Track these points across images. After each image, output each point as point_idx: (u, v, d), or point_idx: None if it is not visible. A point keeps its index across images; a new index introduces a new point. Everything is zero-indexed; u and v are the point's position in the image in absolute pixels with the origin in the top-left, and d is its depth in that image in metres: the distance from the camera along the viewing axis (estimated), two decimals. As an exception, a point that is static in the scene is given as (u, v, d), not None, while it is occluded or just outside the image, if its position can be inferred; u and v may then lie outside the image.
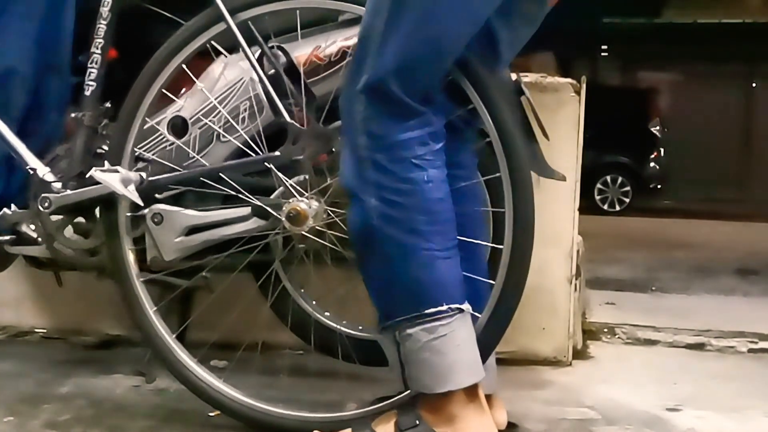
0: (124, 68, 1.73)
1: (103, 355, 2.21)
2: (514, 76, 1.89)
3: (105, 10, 1.76)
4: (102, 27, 1.76)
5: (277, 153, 1.58)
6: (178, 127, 1.76)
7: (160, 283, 1.77)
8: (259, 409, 1.61)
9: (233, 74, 1.73)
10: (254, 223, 1.62)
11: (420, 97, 1.36)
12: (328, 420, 1.56)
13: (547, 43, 1.83)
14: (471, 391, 1.39)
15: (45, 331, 2.42)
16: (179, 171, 1.68)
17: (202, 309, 1.88)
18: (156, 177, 1.64)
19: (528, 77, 2.18)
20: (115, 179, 1.58)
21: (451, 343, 1.36)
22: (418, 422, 1.39)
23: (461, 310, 1.37)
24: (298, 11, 1.61)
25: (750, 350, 2.47)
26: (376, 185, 1.36)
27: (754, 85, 16.19)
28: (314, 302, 1.95)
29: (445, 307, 1.36)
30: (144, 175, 1.61)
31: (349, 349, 1.85)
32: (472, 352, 1.39)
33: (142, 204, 1.60)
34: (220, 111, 1.73)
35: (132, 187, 1.59)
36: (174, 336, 1.68)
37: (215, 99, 1.73)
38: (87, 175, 1.65)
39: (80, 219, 1.74)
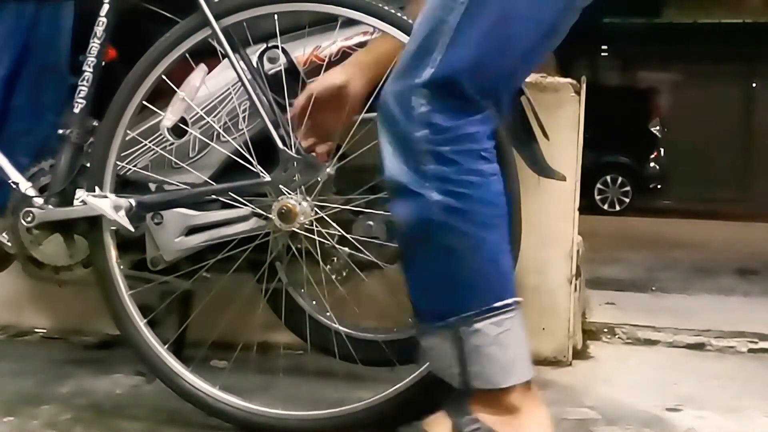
0: (124, 68, 1.73)
1: (103, 355, 2.21)
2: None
3: (99, 29, 1.76)
4: (96, 46, 1.76)
5: (267, 178, 1.58)
6: (177, 128, 1.75)
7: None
8: (259, 412, 1.61)
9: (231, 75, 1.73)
10: (254, 222, 1.62)
11: (486, 94, 1.36)
12: (328, 416, 1.57)
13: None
14: (527, 384, 1.39)
15: (45, 331, 2.42)
16: (167, 191, 1.71)
17: (200, 310, 1.88)
18: (144, 200, 1.65)
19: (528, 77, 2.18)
20: (106, 205, 1.59)
21: (514, 336, 1.36)
22: (479, 426, 1.37)
23: (519, 303, 1.37)
24: (276, 16, 1.62)
25: (750, 350, 2.47)
26: (439, 178, 1.33)
27: (754, 85, 16.18)
28: (314, 302, 1.95)
29: (511, 300, 1.35)
30: (133, 202, 1.61)
31: (350, 348, 1.85)
32: (527, 344, 1.39)
33: (132, 230, 1.61)
34: (218, 111, 1.74)
35: (122, 213, 1.60)
36: (166, 346, 1.68)
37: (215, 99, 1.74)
38: (79, 200, 1.65)
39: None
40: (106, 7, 1.77)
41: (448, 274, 1.35)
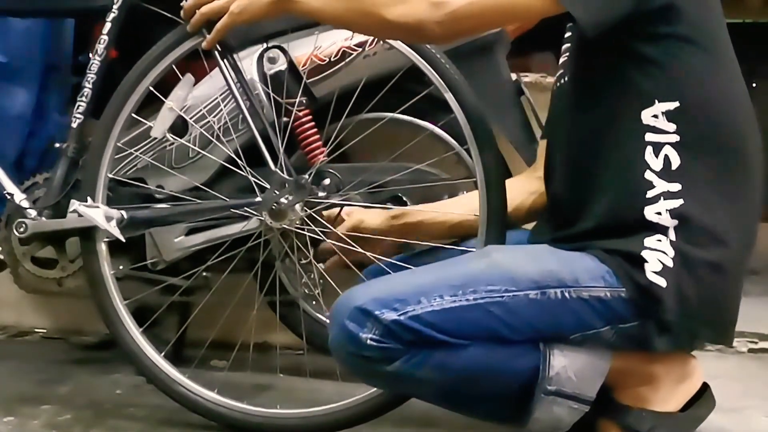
0: (124, 68, 1.73)
1: (103, 355, 2.21)
2: (514, 76, 1.89)
3: (101, 47, 1.77)
4: (96, 63, 1.76)
5: (259, 199, 1.58)
6: (178, 127, 1.76)
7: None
8: (257, 413, 1.61)
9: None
10: (255, 222, 1.62)
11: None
12: (326, 413, 1.57)
13: (547, 43, 1.84)
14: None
15: (45, 331, 2.42)
16: (158, 208, 1.72)
17: (199, 310, 1.88)
18: (136, 215, 1.65)
19: (528, 77, 2.18)
20: (98, 214, 1.60)
21: (574, 347, 1.39)
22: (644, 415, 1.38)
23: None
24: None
25: (750, 350, 2.46)
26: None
27: (754, 85, 16.12)
28: (313, 302, 1.95)
29: (541, 347, 1.37)
30: (125, 214, 1.62)
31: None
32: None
33: (124, 240, 1.61)
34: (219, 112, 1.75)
35: (113, 223, 1.60)
36: (163, 354, 1.68)
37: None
38: (71, 209, 1.66)
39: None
40: (108, 26, 1.77)
41: (492, 381, 1.34)
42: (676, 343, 1.36)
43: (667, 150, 1.34)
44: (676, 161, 1.34)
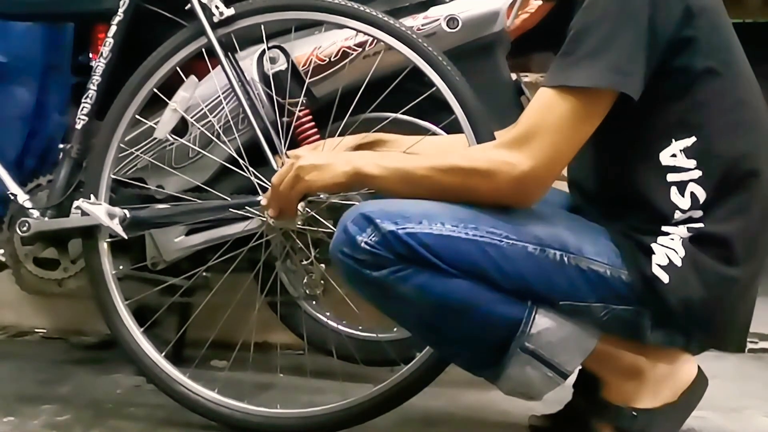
0: (124, 70, 1.73)
1: (103, 355, 2.21)
2: (514, 76, 1.89)
3: (106, 50, 1.76)
4: (101, 66, 1.76)
5: (260, 198, 1.56)
6: (178, 127, 1.76)
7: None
8: (258, 413, 1.61)
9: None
10: (255, 222, 1.62)
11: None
12: (326, 413, 1.57)
13: (547, 43, 1.85)
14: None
15: (45, 331, 2.42)
16: (160, 208, 1.71)
17: (200, 310, 1.88)
18: (139, 215, 1.65)
19: (528, 77, 2.18)
20: (101, 211, 1.60)
21: (554, 316, 1.39)
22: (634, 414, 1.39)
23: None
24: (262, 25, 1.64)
25: (750, 350, 2.46)
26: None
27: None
28: (314, 302, 1.95)
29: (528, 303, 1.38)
30: (127, 213, 1.62)
31: (350, 348, 1.86)
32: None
33: (126, 237, 1.62)
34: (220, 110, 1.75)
35: (116, 221, 1.61)
36: (164, 354, 1.68)
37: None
38: (74, 206, 1.66)
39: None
40: (114, 29, 1.76)
41: (472, 322, 1.33)
42: (669, 340, 1.37)
43: (692, 187, 1.34)
44: (702, 195, 1.34)
